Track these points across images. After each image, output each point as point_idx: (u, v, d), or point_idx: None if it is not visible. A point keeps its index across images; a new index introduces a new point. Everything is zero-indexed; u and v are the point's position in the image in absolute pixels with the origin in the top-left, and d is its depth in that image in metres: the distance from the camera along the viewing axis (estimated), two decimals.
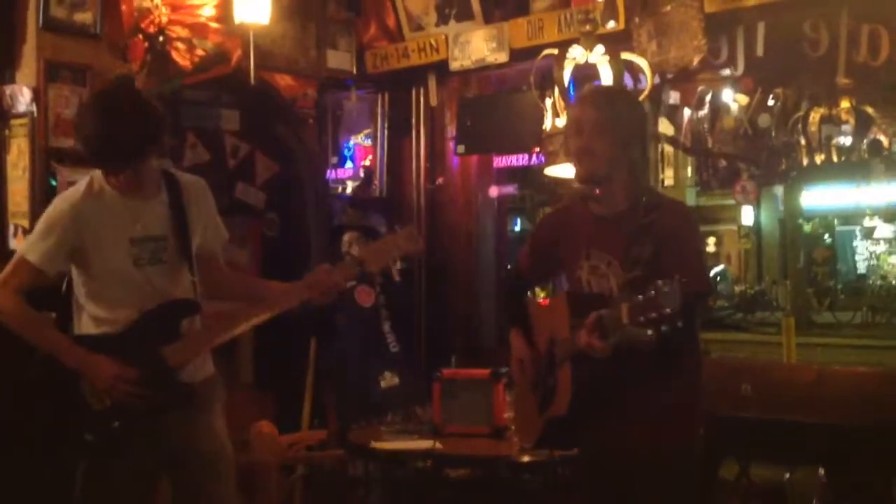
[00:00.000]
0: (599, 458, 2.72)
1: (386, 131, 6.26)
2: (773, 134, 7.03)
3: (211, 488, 2.96)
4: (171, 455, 2.93)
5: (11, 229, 4.50)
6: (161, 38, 4.82)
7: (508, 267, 3.48)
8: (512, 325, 2.95)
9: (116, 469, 2.85)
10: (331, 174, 6.41)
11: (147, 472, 2.95)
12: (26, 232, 4.45)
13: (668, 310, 2.24)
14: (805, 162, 7.27)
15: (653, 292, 2.27)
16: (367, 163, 6.42)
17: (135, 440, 2.83)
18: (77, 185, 2.93)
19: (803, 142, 7.02)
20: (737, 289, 16.45)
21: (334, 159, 6.45)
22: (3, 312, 2.84)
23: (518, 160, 6.15)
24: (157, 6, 4.79)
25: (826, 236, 15.45)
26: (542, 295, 2.93)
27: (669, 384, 2.59)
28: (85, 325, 2.89)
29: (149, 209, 2.90)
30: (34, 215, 4.43)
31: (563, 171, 4.43)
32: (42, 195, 4.47)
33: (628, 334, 2.37)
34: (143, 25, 4.77)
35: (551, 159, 4.33)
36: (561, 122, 4.23)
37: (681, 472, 2.65)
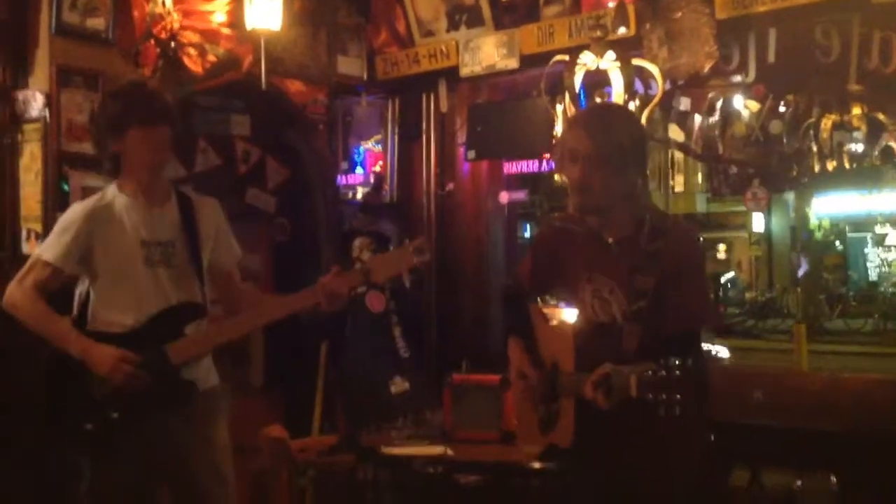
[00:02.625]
0: (599, 489, 2.66)
1: (396, 137, 6.27)
2: (785, 140, 7.01)
3: (207, 501, 3.02)
4: (169, 462, 2.99)
5: (24, 233, 4.51)
6: (173, 44, 4.84)
7: (508, 277, 3.43)
8: (509, 333, 2.91)
9: (118, 466, 2.91)
10: (341, 179, 6.42)
11: (148, 475, 3.00)
12: (39, 236, 4.47)
13: (678, 396, 2.20)
14: (817, 168, 7.25)
15: (664, 371, 2.23)
16: (378, 168, 6.44)
17: (134, 438, 2.89)
18: (92, 196, 3.09)
19: (815, 148, 7.00)
20: (748, 296, 16.49)
21: (345, 165, 6.46)
22: (15, 307, 2.95)
23: (528, 166, 6.16)
24: (169, 12, 4.81)
25: (837, 243, 15.44)
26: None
27: (673, 426, 2.46)
28: (95, 327, 2.96)
29: (159, 215, 3.03)
30: (47, 219, 4.46)
31: None
32: (55, 199, 4.49)
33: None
34: (155, 31, 4.78)
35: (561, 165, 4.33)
36: None
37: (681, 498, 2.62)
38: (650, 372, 2.25)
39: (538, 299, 2.87)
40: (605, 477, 2.62)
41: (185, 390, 2.94)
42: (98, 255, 2.97)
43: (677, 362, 2.23)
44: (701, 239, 2.95)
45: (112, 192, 3.04)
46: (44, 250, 2.98)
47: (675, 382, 2.21)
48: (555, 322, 2.67)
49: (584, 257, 2.67)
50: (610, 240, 2.63)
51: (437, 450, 4.01)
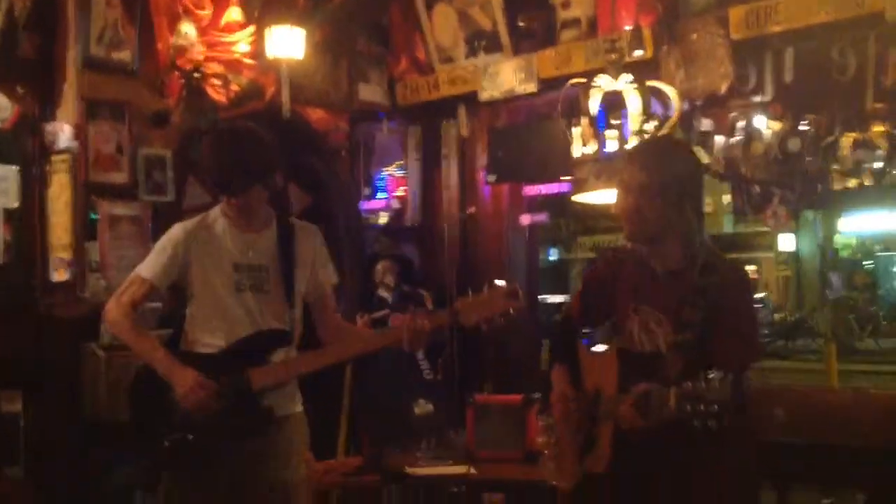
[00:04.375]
0: None
1: (417, 162, 6.33)
2: (808, 159, 7.00)
3: None
4: (244, 486, 2.98)
5: (53, 262, 4.60)
6: (197, 75, 4.94)
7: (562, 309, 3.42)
8: (555, 361, 2.88)
9: (194, 486, 2.95)
10: (363, 205, 6.48)
11: (222, 497, 2.99)
12: (69, 265, 4.56)
13: (715, 407, 2.21)
14: (838, 187, 7.23)
15: (703, 383, 2.24)
16: (400, 193, 6.48)
17: (210, 460, 2.92)
18: (196, 217, 3.13)
19: (836, 167, 6.99)
20: (776, 316, 16.33)
21: (367, 190, 6.51)
22: (112, 322, 3.04)
23: (548, 188, 6.19)
24: (192, 44, 4.91)
25: (865, 262, 15.32)
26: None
27: (714, 464, 2.50)
28: (188, 346, 3.03)
29: (256, 240, 3.06)
30: (76, 248, 4.55)
31: (591, 197, 4.47)
32: (83, 228, 4.59)
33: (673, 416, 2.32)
34: (179, 63, 4.89)
35: (579, 186, 4.38)
36: (589, 149, 4.28)
37: None
38: (689, 384, 2.26)
39: (585, 332, 2.80)
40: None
41: (262, 417, 2.96)
42: (193, 276, 3.03)
43: (715, 375, 2.24)
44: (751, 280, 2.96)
45: (215, 215, 3.09)
46: (142, 268, 3.05)
47: (713, 393, 2.22)
48: (599, 350, 2.65)
49: (632, 286, 2.68)
50: (659, 269, 2.64)
51: (460, 469, 4.03)
